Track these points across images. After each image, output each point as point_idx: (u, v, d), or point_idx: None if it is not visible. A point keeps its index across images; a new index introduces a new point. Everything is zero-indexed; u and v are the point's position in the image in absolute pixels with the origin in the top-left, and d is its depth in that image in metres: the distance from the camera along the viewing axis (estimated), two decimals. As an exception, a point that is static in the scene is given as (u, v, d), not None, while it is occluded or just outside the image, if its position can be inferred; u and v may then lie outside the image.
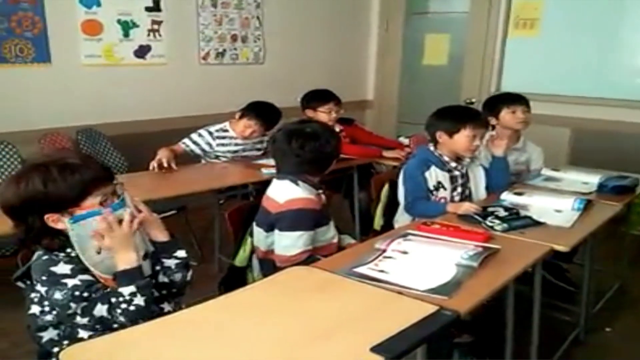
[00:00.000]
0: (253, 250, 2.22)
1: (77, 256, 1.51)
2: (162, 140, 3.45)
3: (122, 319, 1.47)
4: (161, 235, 1.65)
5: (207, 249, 3.64)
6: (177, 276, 1.66)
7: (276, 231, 2.14)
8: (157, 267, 1.64)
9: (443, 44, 5.53)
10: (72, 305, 1.47)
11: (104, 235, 1.50)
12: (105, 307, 1.48)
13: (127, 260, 1.51)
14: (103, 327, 1.50)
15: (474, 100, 5.19)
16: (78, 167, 1.50)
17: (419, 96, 5.59)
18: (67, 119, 3.86)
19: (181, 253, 1.67)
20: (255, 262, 2.24)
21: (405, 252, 1.96)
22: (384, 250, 1.98)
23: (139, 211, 1.60)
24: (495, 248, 1.99)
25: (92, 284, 1.51)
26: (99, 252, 1.52)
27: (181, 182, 3.02)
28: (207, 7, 4.58)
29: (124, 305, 1.47)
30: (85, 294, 1.49)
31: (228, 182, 3.24)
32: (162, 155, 3.15)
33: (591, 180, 2.98)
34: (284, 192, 2.18)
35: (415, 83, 5.73)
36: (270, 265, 2.16)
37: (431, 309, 1.53)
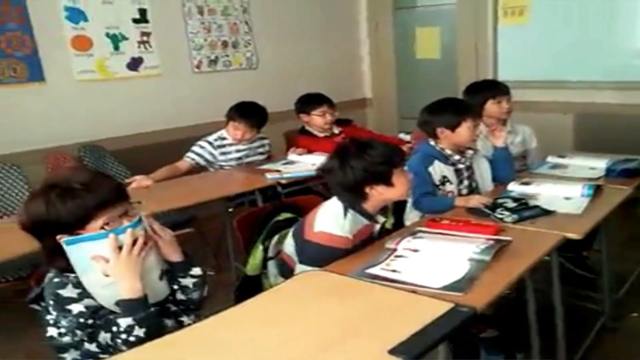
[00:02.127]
0: (266, 256, 2.18)
1: None
2: (165, 151, 3.45)
3: (123, 348, 1.44)
4: (175, 255, 1.62)
5: (222, 258, 3.61)
6: (195, 294, 1.64)
7: (297, 263, 2.05)
8: (175, 287, 1.62)
9: (434, 37, 5.51)
10: (78, 332, 1.45)
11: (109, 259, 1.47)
12: (109, 335, 1.45)
13: (128, 289, 1.46)
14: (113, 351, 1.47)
15: (472, 91, 5.15)
16: (79, 192, 1.47)
17: (416, 90, 5.55)
18: (68, 137, 3.84)
19: (196, 271, 1.65)
20: (270, 268, 2.20)
21: (416, 250, 1.94)
22: (395, 250, 1.95)
23: (153, 231, 1.56)
24: (507, 240, 1.96)
25: (98, 310, 1.48)
26: (107, 275, 1.48)
27: (187, 193, 2.97)
28: (193, 14, 4.56)
29: (123, 336, 1.43)
30: (90, 321, 1.46)
31: (233, 189, 3.21)
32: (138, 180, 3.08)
33: (598, 165, 2.94)
34: (324, 220, 2.00)
35: (411, 78, 5.70)
36: (289, 270, 2.12)
37: (447, 306, 1.49)
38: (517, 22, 4.87)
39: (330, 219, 1.99)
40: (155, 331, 1.47)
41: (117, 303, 1.47)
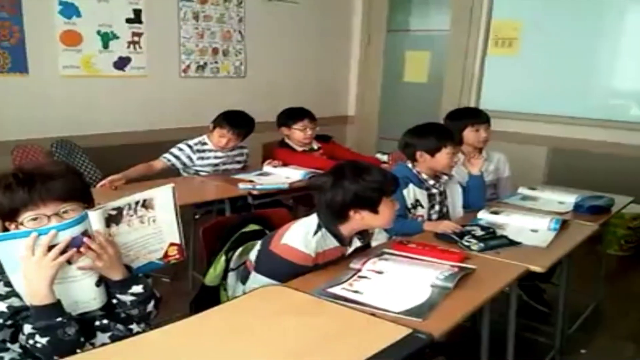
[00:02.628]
0: (227, 268, 2.16)
1: None
2: (142, 152, 3.41)
3: (38, 353, 1.39)
4: (114, 273, 1.50)
5: (180, 266, 3.54)
6: (134, 311, 1.56)
7: (252, 271, 2.03)
8: (114, 300, 1.55)
9: (423, 61, 5.58)
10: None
11: None
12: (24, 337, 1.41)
13: (34, 294, 1.38)
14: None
15: (453, 117, 5.21)
16: (12, 185, 1.45)
17: (399, 112, 5.62)
18: (42, 130, 3.80)
19: (137, 289, 1.54)
20: (230, 281, 2.19)
21: (380, 272, 1.95)
22: (359, 270, 1.96)
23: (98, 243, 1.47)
24: (471, 268, 1.98)
25: (21, 311, 1.41)
26: None
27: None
28: (188, 20, 4.56)
29: (30, 341, 1.38)
30: (9, 322, 1.40)
31: (204, 196, 3.20)
32: (112, 177, 3.02)
33: (567, 199, 3.00)
34: (293, 234, 1.97)
35: (395, 99, 5.76)
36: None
37: (405, 331, 1.50)
38: (506, 53, 4.97)
39: (299, 235, 1.98)
40: (62, 343, 1.38)
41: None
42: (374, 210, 2.01)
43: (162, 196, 1.63)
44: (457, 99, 5.23)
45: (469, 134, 3.17)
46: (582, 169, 4.39)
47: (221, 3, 4.74)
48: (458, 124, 3.16)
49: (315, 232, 1.99)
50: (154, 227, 1.63)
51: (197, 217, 3.43)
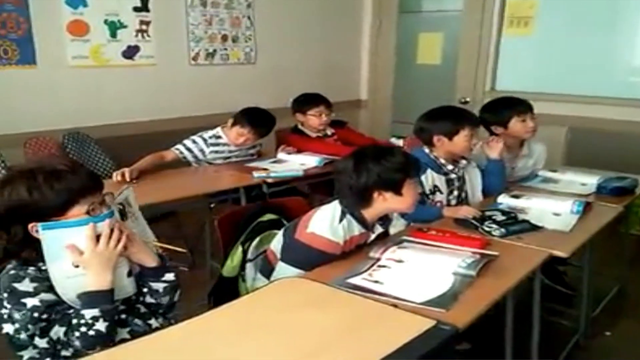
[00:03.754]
0: (244, 259, 2.13)
1: (47, 270, 1.43)
2: (152, 142, 3.37)
3: (77, 343, 1.39)
4: (149, 260, 1.55)
5: (199, 254, 3.55)
6: (165, 299, 1.59)
7: (279, 262, 2.00)
8: (145, 289, 1.57)
9: (436, 43, 5.47)
10: (30, 327, 1.39)
11: (84, 249, 1.42)
12: (63, 329, 1.41)
13: (100, 281, 1.43)
14: (55, 351, 1.42)
15: (468, 99, 5.13)
16: (65, 174, 1.44)
17: (413, 96, 5.52)
18: (53, 122, 3.78)
19: (169, 276, 1.58)
20: (248, 271, 2.15)
21: (400, 261, 1.90)
22: (379, 259, 1.92)
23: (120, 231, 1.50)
24: (493, 255, 1.93)
25: (54, 305, 1.42)
26: (77, 267, 1.43)
27: (171, 187, 2.91)
28: (196, 6, 4.50)
29: (83, 329, 1.38)
30: (44, 316, 1.41)
31: (219, 186, 3.14)
32: (127, 169, 2.93)
33: (589, 181, 2.92)
34: (319, 222, 1.94)
35: (409, 82, 5.66)
36: (269, 268, 2.07)
37: (429, 323, 1.46)
38: (521, 32, 4.85)
39: (325, 222, 1.94)
40: (113, 330, 1.44)
41: (79, 296, 1.42)
42: (398, 192, 1.96)
43: (131, 196, 1.68)
44: (472, 81, 5.13)
45: (515, 125, 2.97)
46: (601, 148, 4.28)
47: (229, -12, 4.67)
48: (501, 116, 2.99)
49: (341, 219, 1.95)
50: (139, 224, 1.68)
51: (212, 206, 3.39)
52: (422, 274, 1.80)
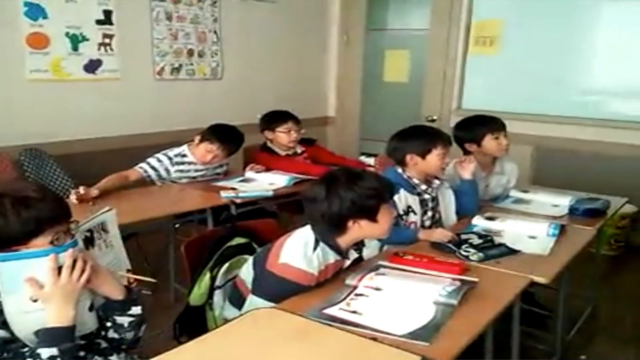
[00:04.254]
0: (212, 286, 2.01)
1: (0, 304, 1.31)
2: (115, 159, 3.24)
3: None
4: (115, 292, 1.45)
5: (162, 276, 3.40)
6: (129, 334, 1.48)
7: (250, 294, 1.88)
8: (108, 324, 1.46)
9: (403, 61, 5.47)
10: None
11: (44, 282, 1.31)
12: None
13: (61, 316, 1.32)
14: None
15: (435, 117, 5.14)
16: (34, 202, 1.34)
17: (380, 113, 5.51)
18: (9, 138, 3.58)
19: (136, 310, 1.48)
20: (217, 299, 2.03)
21: (378, 289, 1.82)
22: (356, 287, 1.84)
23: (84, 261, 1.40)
24: (474, 281, 1.87)
25: (7, 342, 1.31)
26: (35, 301, 1.32)
27: (134, 208, 2.73)
28: (161, 20, 4.38)
29: None
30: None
31: (184, 207, 3.01)
32: (83, 187, 2.76)
33: (561, 202, 2.92)
34: (291, 251, 1.83)
35: (376, 100, 5.64)
36: (239, 298, 1.96)
37: (411, 358, 1.38)
38: (487, 52, 4.89)
39: (298, 251, 1.83)
40: None
41: (37, 332, 1.31)
42: (373, 219, 1.89)
43: (110, 220, 1.58)
44: (439, 99, 5.14)
45: (489, 143, 2.95)
46: (566, 168, 4.34)
47: (195, 3, 4.57)
48: (474, 134, 2.97)
49: (315, 247, 1.85)
50: (112, 252, 1.58)
51: (176, 226, 3.26)
52: (402, 303, 1.73)
